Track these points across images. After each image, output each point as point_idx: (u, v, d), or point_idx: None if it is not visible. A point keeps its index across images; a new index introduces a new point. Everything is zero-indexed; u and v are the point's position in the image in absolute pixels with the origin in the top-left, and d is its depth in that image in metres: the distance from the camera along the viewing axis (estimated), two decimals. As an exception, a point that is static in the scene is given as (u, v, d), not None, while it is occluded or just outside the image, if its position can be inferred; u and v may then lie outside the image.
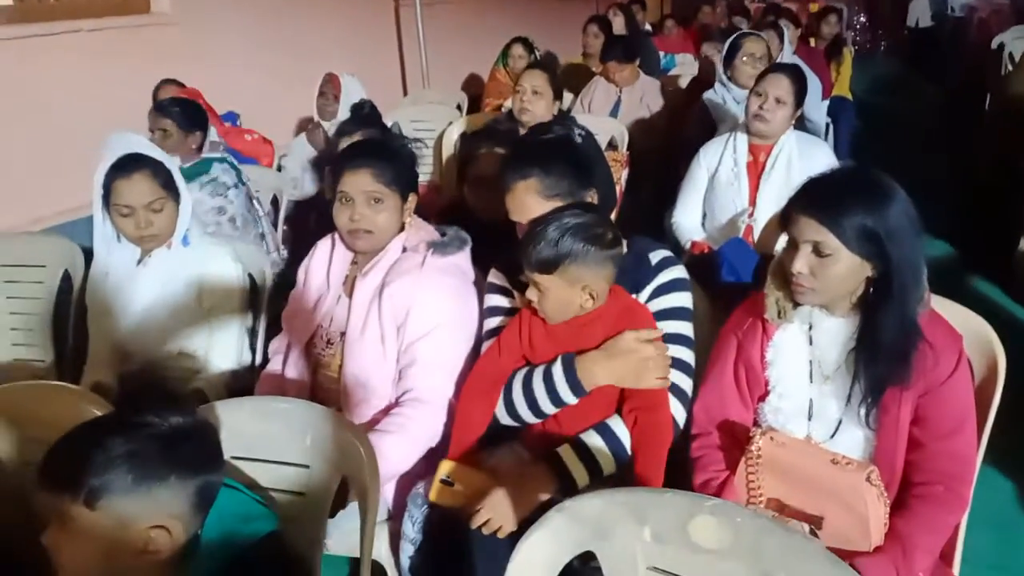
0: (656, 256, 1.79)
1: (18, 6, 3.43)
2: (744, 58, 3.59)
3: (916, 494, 1.49)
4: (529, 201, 1.73)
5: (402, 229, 1.90)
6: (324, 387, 1.89)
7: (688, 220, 3.00)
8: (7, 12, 3.38)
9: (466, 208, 2.51)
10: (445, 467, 1.61)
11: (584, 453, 1.60)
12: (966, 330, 1.62)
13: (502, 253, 1.81)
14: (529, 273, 1.59)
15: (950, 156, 6.08)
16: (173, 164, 2.12)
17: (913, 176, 5.94)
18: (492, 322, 1.83)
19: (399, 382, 1.82)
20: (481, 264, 1.96)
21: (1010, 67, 5.88)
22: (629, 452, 1.62)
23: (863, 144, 6.02)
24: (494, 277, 1.87)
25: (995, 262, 4.00)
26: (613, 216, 3.19)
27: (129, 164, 2.03)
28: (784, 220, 1.55)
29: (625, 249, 1.79)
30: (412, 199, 1.89)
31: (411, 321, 1.78)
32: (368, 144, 1.86)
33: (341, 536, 1.63)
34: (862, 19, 11.75)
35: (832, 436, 1.57)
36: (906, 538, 1.45)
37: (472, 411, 1.69)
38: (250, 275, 2.26)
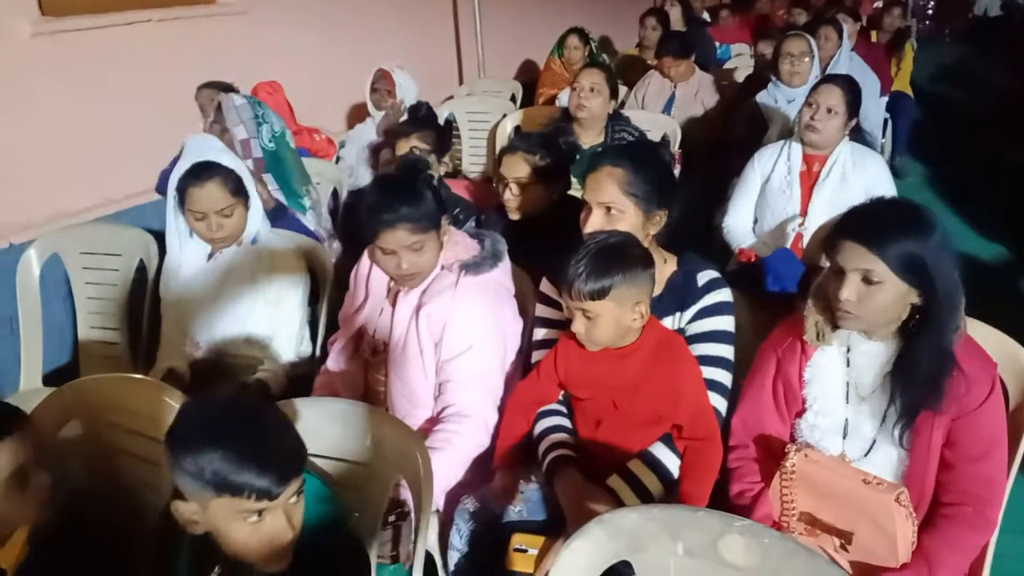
0: (704, 277, 1.86)
1: (92, -3, 3.58)
2: (784, 56, 3.61)
3: (944, 514, 1.55)
4: (608, 186, 1.83)
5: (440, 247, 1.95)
6: (374, 389, 2.01)
7: (739, 224, 3.04)
8: (82, 2, 3.53)
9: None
10: (517, 538, 1.65)
11: (634, 482, 1.69)
12: (1001, 355, 1.66)
13: (551, 253, 1.88)
14: (578, 304, 1.63)
15: (1013, 152, 5.94)
16: (244, 170, 2.24)
17: (972, 174, 5.91)
18: (540, 332, 1.92)
19: (439, 397, 1.91)
20: (531, 255, 2.05)
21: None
22: (675, 477, 1.70)
23: (922, 140, 5.94)
24: (545, 287, 1.96)
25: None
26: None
27: (202, 172, 2.15)
28: (829, 248, 1.58)
29: (675, 266, 1.88)
30: (444, 222, 1.92)
31: (447, 340, 1.86)
32: (395, 194, 1.84)
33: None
34: (928, 6, 11.41)
35: (866, 455, 1.63)
36: (932, 556, 1.51)
37: (514, 425, 1.82)
38: (312, 269, 2.38)
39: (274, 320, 2.24)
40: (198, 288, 2.25)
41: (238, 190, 2.21)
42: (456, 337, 1.85)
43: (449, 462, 1.80)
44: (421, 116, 2.95)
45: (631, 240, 1.70)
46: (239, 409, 1.27)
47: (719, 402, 1.77)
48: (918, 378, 1.52)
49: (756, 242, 2.98)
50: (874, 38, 6.07)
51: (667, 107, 4.34)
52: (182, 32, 3.83)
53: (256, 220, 2.26)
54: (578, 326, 1.66)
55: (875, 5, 7.61)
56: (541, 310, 1.96)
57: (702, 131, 4.09)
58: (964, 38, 11.16)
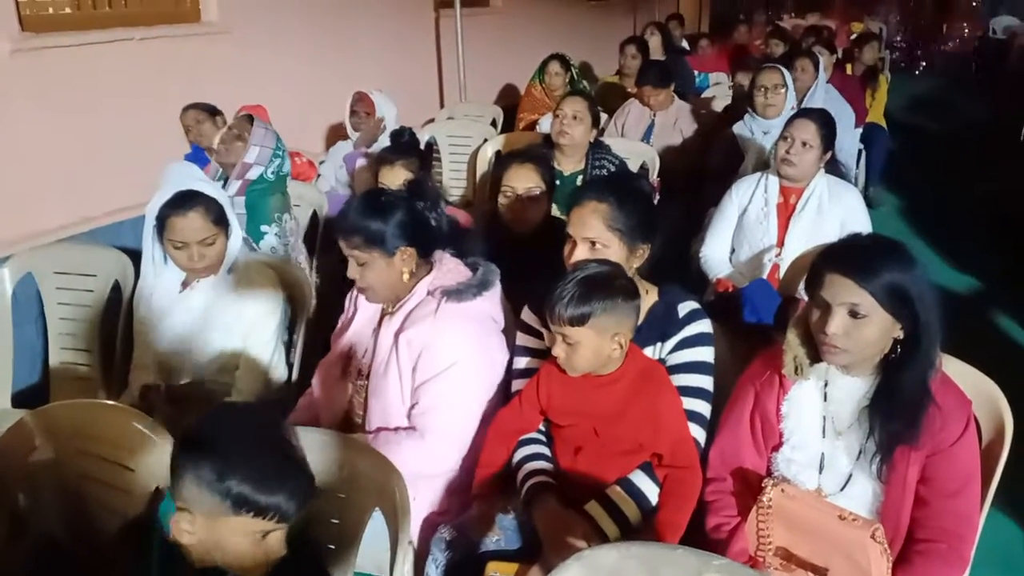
0: (684, 308, 1.87)
1: (74, 14, 3.57)
2: (759, 89, 3.68)
3: (919, 550, 1.56)
4: (592, 221, 1.84)
5: (429, 272, 1.93)
6: (355, 414, 1.99)
7: (716, 254, 3.07)
8: (64, 19, 3.51)
9: (500, 222, 2.63)
10: (492, 566, 1.66)
11: (612, 509, 1.69)
12: (976, 392, 1.69)
13: (534, 282, 1.87)
14: (558, 328, 1.65)
15: (986, 183, 6.05)
16: (226, 200, 2.23)
17: (945, 205, 6.00)
18: (522, 361, 1.92)
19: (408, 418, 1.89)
20: (514, 279, 2.05)
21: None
22: (653, 505, 1.71)
23: (896, 171, 6.04)
24: (526, 316, 1.96)
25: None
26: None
27: (185, 201, 2.14)
28: (813, 282, 1.59)
29: (657, 297, 1.89)
30: (405, 252, 1.86)
31: (421, 364, 1.84)
32: (357, 206, 1.86)
33: (367, 553, 1.72)
34: (901, 39, 11.65)
35: (842, 489, 1.64)
36: (908, 593, 1.52)
37: (494, 454, 1.82)
38: (292, 293, 2.37)
39: (247, 349, 2.22)
40: (172, 316, 2.23)
41: (220, 219, 2.20)
42: (430, 362, 1.84)
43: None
44: (404, 142, 2.96)
45: (618, 272, 1.72)
46: (267, 426, 1.26)
47: (699, 432, 1.78)
48: (897, 412, 1.54)
49: (733, 272, 3.01)
50: (849, 70, 6.18)
51: (646, 135, 4.38)
52: (165, 51, 3.82)
53: (235, 250, 2.25)
54: (558, 351, 1.67)
55: (850, 37, 7.75)
56: (522, 339, 1.96)
57: (680, 160, 4.13)
58: (938, 69, 11.40)
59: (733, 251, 3.08)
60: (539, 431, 1.86)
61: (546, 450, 1.83)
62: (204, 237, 2.15)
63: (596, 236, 1.85)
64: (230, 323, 2.20)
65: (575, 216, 1.89)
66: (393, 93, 4.17)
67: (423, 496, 1.87)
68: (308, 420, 1.98)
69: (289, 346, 2.38)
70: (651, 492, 1.72)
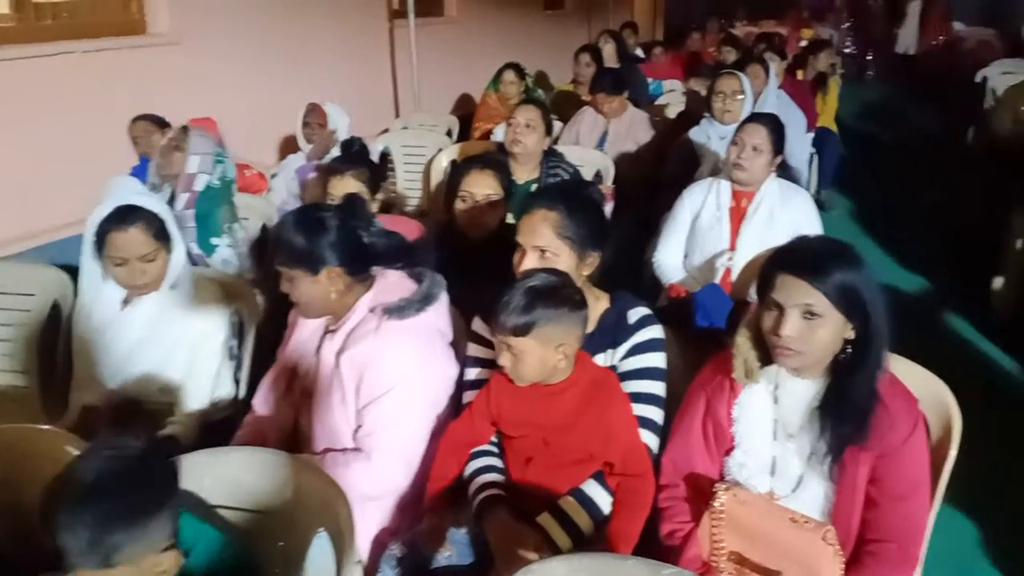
0: (635, 314, 1.86)
1: (16, 26, 3.48)
2: (717, 94, 3.72)
3: (869, 551, 1.56)
4: (543, 229, 1.83)
5: (369, 289, 1.87)
6: (304, 433, 1.94)
7: (670, 260, 3.07)
8: (5, 32, 3.42)
9: (454, 229, 2.61)
10: None
11: (564, 520, 1.67)
12: (924, 392, 1.70)
13: (486, 291, 1.86)
14: (503, 337, 1.64)
15: (933, 187, 6.19)
16: (168, 214, 2.18)
17: (895, 209, 6.11)
18: (472, 372, 1.89)
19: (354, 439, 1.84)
20: (468, 287, 2.02)
21: (992, 102, 6.00)
22: (606, 514, 1.70)
23: (847, 175, 6.13)
24: (477, 326, 1.94)
25: (973, 298, 4.10)
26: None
27: (125, 216, 2.07)
28: (765, 284, 1.58)
29: (608, 304, 1.88)
30: (332, 272, 1.79)
31: (364, 385, 1.79)
32: (285, 226, 1.80)
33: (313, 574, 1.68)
34: (851, 45, 11.88)
35: (794, 491, 1.63)
36: (860, 594, 1.52)
37: (445, 467, 1.78)
38: (238, 307, 2.32)
39: (190, 368, 2.16)
40: (112, 335, 2.16)
41: (161, 234, 2.13)
42: (373, 382, 1.79)
43: None
44: (354, 152, 2.92)
45: (565, 282, 1.70)
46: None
47: (651, 439, 1.77)
48: (847, 413, 1.54)
49: (686, 277, 3.01)
50: (801, 76, 6.26)
51: (601, 143, 4.39)
52: (112, 63, 3.75)
53: (178, 266, 2.18)
54: (504, 360, 1.66)
55: (800, 44, 7.87)
56: (473, 349, 1.93)
57: (635, 167, 4.14)
58: (887, 75, 11.64)
59: (687, 256, 3.09)
60: (491, 443, 1.83)
61: (498, 462, 1.80)
62: (145, 253, 2.09)
63: (546, 244, 1.83)
64: (173, 341, 2.13)
65: (525, 224, 1.87)
66: (347, 103, 4.14)
67: (372, 514, 1.82)
68: (254, 438, 1.92)
69: (238, 362, 2.32)
70: (603, 501, 1.71)
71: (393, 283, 1.88)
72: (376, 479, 1.79)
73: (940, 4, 11.14)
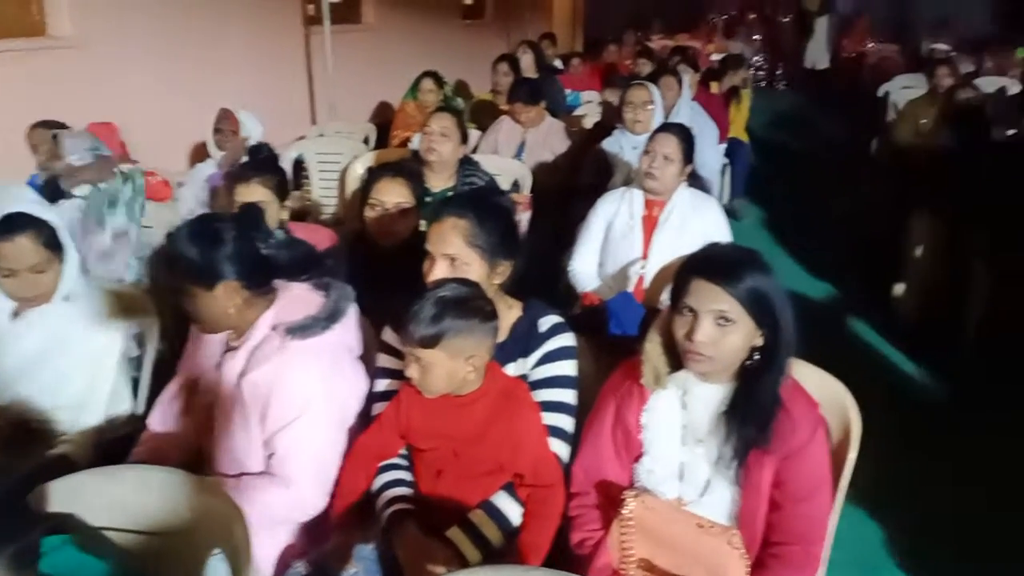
0: (546, 323, 1.86)
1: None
2: (628, 105, 3.79)
3: (773, 553, 1.58)
4: (452, 238, 1.79)
5: (271, 305, 1.78)
6: (206, 452, 1.87)
7: (585, 268, 3.10)
8: None
9: (367, 237, 2.56)
10: None
11: (474, 533, 1.65)
12: (824, 395, 1.74)
13: (398, 300, 1.82)
14: (411, 349, 1.61)
15: (839, 197, 6.42)
16: (60, 222, 2.07)
17: (803, 217, 6.30)
18: (382, 384, 1.85)
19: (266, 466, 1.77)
20: (381, 296, 1.97)
21: (894, 115, 6.25)
22: (516, 526, 1.68)
23: (759, 184, 6.31)
24: (387, 336, 1.90)
25: (877, 303, 4.26)
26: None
27: (12, 225, 1.97)
28: (679, 290, 1.59)
29: (520, 312, 1.87)
30: (228, 286, 1.69)
31: (272, 411, 1.71)
32: (177, 238, 1.68)
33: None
34: (761, 59, 12.27)
35: (701, 496, 1.65)
36: (765, 596, 1.54)
37: (352, 482, 1.74)
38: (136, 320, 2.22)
39: (86, 384, 2.07)
40: (1, 348, 2.04)
41: (52, 244, 2.03)
42: (281, 408, 1.70)
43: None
44: (262, 158, 2.85)
45: (475, 292, 1.68)
46: None
47: (561, 448, 1.77)
48: (751, 418, 1.56)
49: (601, 285, 3.04)
50: (714, 88, 6.42)
51: (518, 152, 4.40)
52: (8, 66, 3.58)
53: (71, 276, 2.07)
54: (412, 372, 1.63)
55: (712, 58, 8.09)
56: (383, 360, 1.89)
57: (552, 176, 4.17)
58: (796, 88, 12.05)
59: (601, 265, 3.11)
60: (400, 455, 1.80)
61: (407, 475, 1.77)
62: (35, 263, 1.98)
63: (456, 253, 1.81)
64: (68, 354, 2.03)
65: (434, 232, 1.85)
66: (261, 110, 4.05)
67: (280, 534, 1.76)
68: (152, 457, 1.84)
69: (138, 377, 2.23)
70: (513, 513, 1.70)
71: (297, 297, 1.79)
72: (297, 506, 1.74)
73: (864, 19, 11.59)
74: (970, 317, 3.65)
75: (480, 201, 1.93)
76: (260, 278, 1.75)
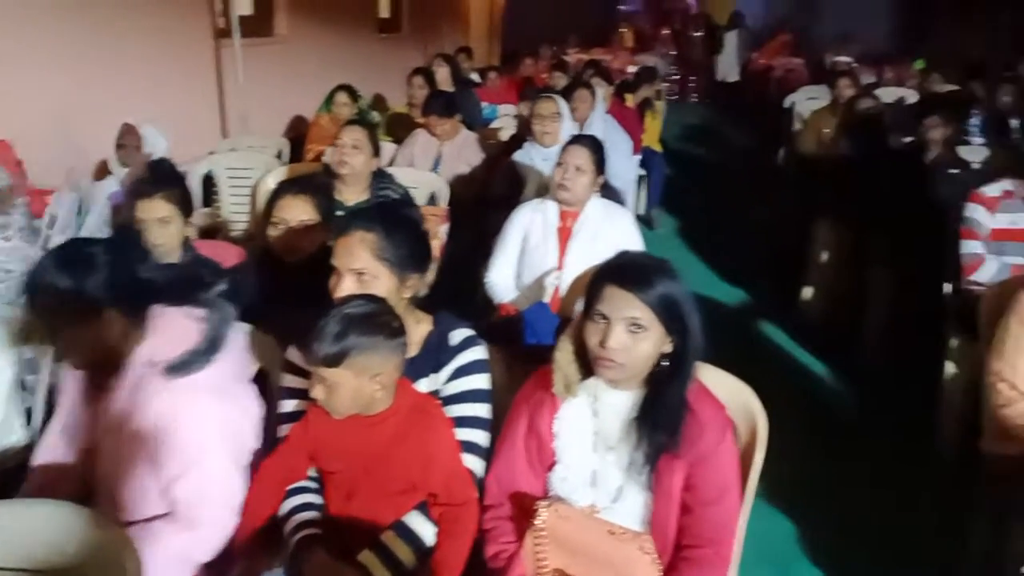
0: (457, 336, 1.84)
1: None
2: (536, 118, 3.83)
3: (685, 556, 1.60)
4: (360, 252, 1.75)
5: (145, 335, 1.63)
6: (96, 486, 1.74)
7: (501, 279, 3.10)
8: None
9: (275, 254, 2.50)
10: None
11: (386, 555, 1.62)
12: (731, 398, 1.77)
13: (306, 317, 1.76)
14: (315, 369, 1.57)
15: (750, 205, 6.63)
16: None
17: (716, 225, 6.49)
18: (288, 404, 1.80)
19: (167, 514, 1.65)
20: (291, 311, 1.92)
21: (800, 125, 6.47)
22: (429, 546, 1.66)
23: (673, 194, 6.45)
24: (292, 355, 1.85)
25: (786, 307, 4.39)
26: (432, 273, 3.29)
27: None
28: (592, 297, 1.60)
29: (431, 326, 1.85)
30: (106, 315, 1.56)
31: (166, 460, 1.58)
32: (46, 265, 1.54)
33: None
34: (675, 72, 12.59)
35: (613, 503, 1.66)
36: (676, 601, 1.56)
37: (258, 507, 1.68)
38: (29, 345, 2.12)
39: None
40: None
41: None
42: (175, 454, 1.58)
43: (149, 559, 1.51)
44: (163, 173, 2.76)
45: (381, 308, 1.64)
46: None
47: (476, 464, 1.75)
48: (661, 423, 1.58)
49: (519, 296, 3.05)
50: (628, 101, 6.54)
51: (435, 165, 4.39)
52: None
53: None
54: (317, 392, 1.58)
55: (626, 70, 8.24)
56: (288, 380, 1.83)
57: (468, 188, 4.17)
58: (708, 101, 12.40)
59: (518, 275, 3.12)
60: (309, 478, 1.75)
61: (316, 498, 1.73)
62: None
63: (363, 267, 1.77)
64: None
65: (341, 246, 1.80)
66: (169, 125, 3.93)
67: (185, 572, 1.68)
68: (42, 490, 1.73)
69: (31, 405, 2.12)
70: (426, 533, 1.67)
71: (173, 326, 1.63)
72: (204, 547, 1.64)
73: (783, 35, 11.97)
74: (872, 321, 3.78)
75: (388, 214, 1.90)
76: (138, 305, 1.62)
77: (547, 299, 2.89)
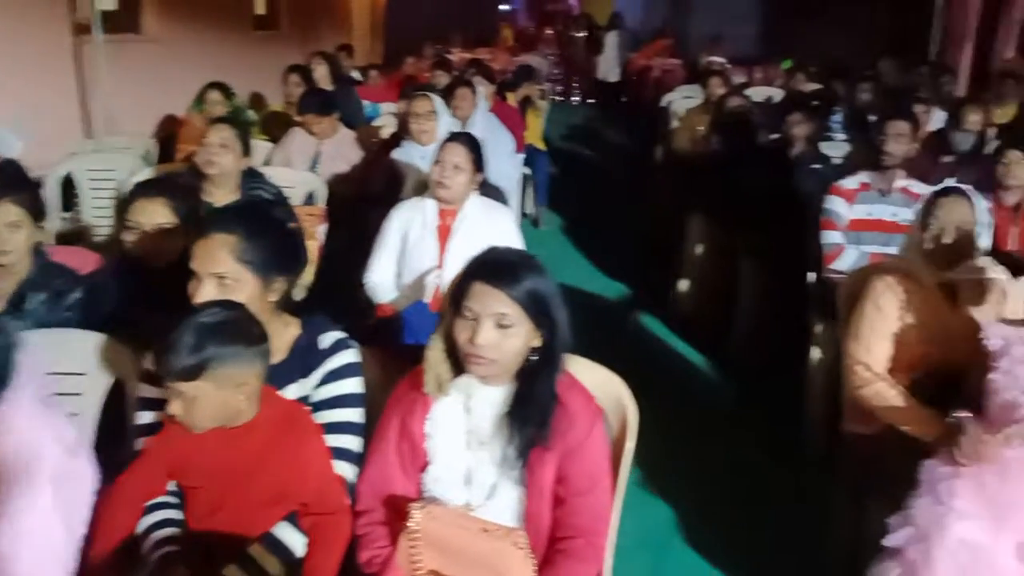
0: (327, 339, 1.79)
1: None
2: (412, 116, 3.82)
3: (559, 549, 1.61)
4: (220, 254, 1.68)
5: None
6: None
7: (381, 279, 3.05)
8: None
9: (133, 260, 2.37)
10: None
11: (253, 569, 1.57)
12: (602, 389, 1.80)
13: (169, 324, 1.68)
14: (171, 384, 1.49)
15: (631, 202, 6.80)
16: None
17: (599, 222, 6.65)
18: (146, 416, 1.72)
19: None
20: (152, 318, 1.81)
21: (676, 123, 6.67)
22: (299, 556, 1.61)
23: (558, 192, 6.54)
24: (149, 364, 1.76)
25: (663, 300, 4.52)
26: (312, 273, 3.21)
27: None
28: (459, 294, 1.59)
29: (299, 330, 1.80)
30: None
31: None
32: None
33: None
34: (558, 72, 12.77)
35: (488, 499, 1.65)
36: (552, 593, 1.56)
37: (113, 526, 1.59)
38: None
39: None
40: None
41: None
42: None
43: None
44: (12, 176, 2.57)
45: (240, 315, 1.58)
46: None
47: (348, 470, 1.72)
48: (530, 416, 1.59)
49: (400, 296, 3.01)
50: (511, 100, 6.57)
51: (314, 164, 4.29)
52: None
53: None
54: (175, 408, 1.50)
55: (508, 70, 8.29)
56: (145, 390, 1.75)
57: (347, 187, 4.09)
58: (590, 100, 12.64)
59: (399, 275, 3.08)
60: (169, 492, 1.67)
61: (176, 514, 1.65)
62: None
63: (225, 271, 1.69)
64: None
65: (200, 250, 1.72)
66: (24, 125, 3.68)
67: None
68: None
69: None
70: (296, 543, 1.63)
71: None
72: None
73: (664, 38, 12.26)
74: (742, 311, 3.94)
75: (250, 214, 1.84)
76: None
77: (428, 298, 2.86)
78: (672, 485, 2.86)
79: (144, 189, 2.37)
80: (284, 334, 1.78)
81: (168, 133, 5.61)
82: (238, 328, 1.53)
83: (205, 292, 1.69)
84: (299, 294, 2.82)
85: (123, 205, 2.39)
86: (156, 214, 2.28)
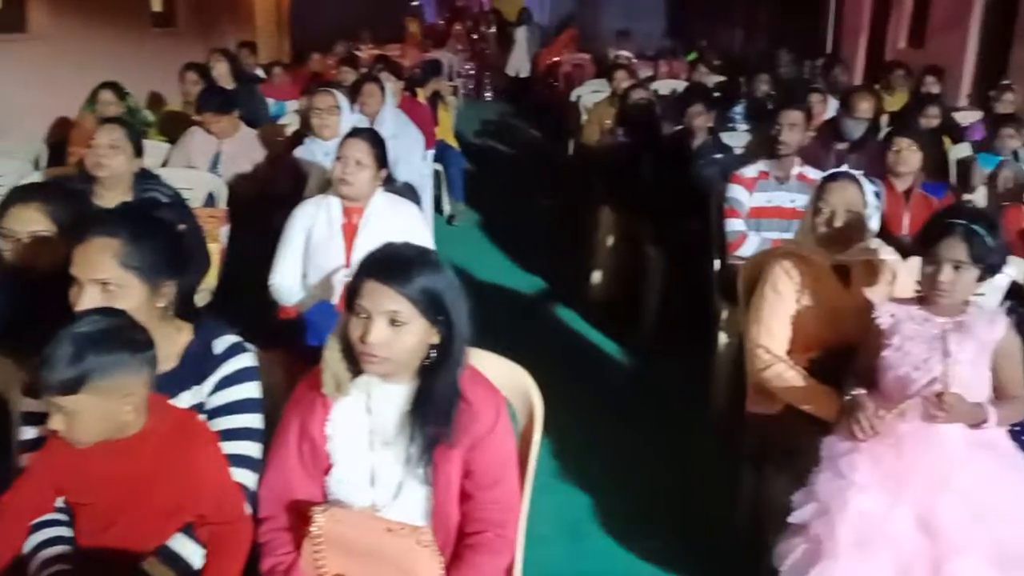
0: (222, 344, 1.74)
1: None
2: (314, 111, 3.77)
3: (468, 543, 1.61)
4: (103, 260, 1.60)
5: None
6: None
7: (286, 281, 2.97)
8: None
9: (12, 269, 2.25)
10: None
11: None
12: (507, 381, 1.80)
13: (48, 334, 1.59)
14: (52, 398, 1.41)
15: (545, 196, 6.85)
16: None
17: (516, 216, 6.68)
18: (30, 431, 1.63)
19: None
20: (35, 328, 1.72)
21: (586, 117, 6.75)
22: (198, 567, 1.56)
23: (473, 188, 6.53)
24: (31, 376, 1.67)
25: (579, 291, 4.56)
26: (215, 276, 3.11)
27: None
28: (353, 292, 1.56)
29: (192, 335, 1.73)
30: None
31: None
32: None
33: None
34: (469, 68, 12.75)
35: (394, 499, 1.63)
36: (460, 588, 1.55)
37: None
38: None
39: None
40: None
41: None
42: None
43: None
44: None
45: (121, 322, 1.50)
46: None
47: (247, 477, 1.67)
48: (433, 413, 1.57)
49: (306, 297, 2.94)
50: (420, 96, 6.53)
51: (214, 163, 4.16)
52: None
53: None
54: (56, 423, 1.43)
55: (418, 66, 8.24)
56: (29, 404, 1.65)
57: (251, 187, 3.98)
58: (502, 95, 12.67)
59: (305, 275, 3.02)
60: (57, 509, 1.59)
61: (66, 531, 1.57)
62: None
63: (108, 277, 1.61)
64: None
65: (79, 255, 1.63)
66: None
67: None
68: None
69: None
70: (193, 554, 1.57)
71: None
72: None
73: (570, 31, 12.33)
74: (648, 299, 4.01)
75: (136, 217, 1.76)
76: None
77: (336, 299, 2.80)
78: (586, 472, 2.89)
79: (20, 195, 2.22)
80: (176, 340, 1.71)
81: (59, 136, 5.37)
82: (120, 336, 1.46)
83: (87, 299, 1.61)
84: (203, 299, 2.73)
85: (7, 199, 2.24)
86: (32, 221, 2.14)
